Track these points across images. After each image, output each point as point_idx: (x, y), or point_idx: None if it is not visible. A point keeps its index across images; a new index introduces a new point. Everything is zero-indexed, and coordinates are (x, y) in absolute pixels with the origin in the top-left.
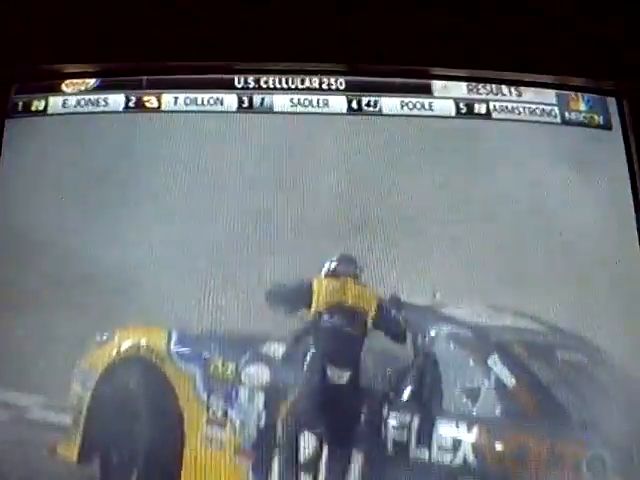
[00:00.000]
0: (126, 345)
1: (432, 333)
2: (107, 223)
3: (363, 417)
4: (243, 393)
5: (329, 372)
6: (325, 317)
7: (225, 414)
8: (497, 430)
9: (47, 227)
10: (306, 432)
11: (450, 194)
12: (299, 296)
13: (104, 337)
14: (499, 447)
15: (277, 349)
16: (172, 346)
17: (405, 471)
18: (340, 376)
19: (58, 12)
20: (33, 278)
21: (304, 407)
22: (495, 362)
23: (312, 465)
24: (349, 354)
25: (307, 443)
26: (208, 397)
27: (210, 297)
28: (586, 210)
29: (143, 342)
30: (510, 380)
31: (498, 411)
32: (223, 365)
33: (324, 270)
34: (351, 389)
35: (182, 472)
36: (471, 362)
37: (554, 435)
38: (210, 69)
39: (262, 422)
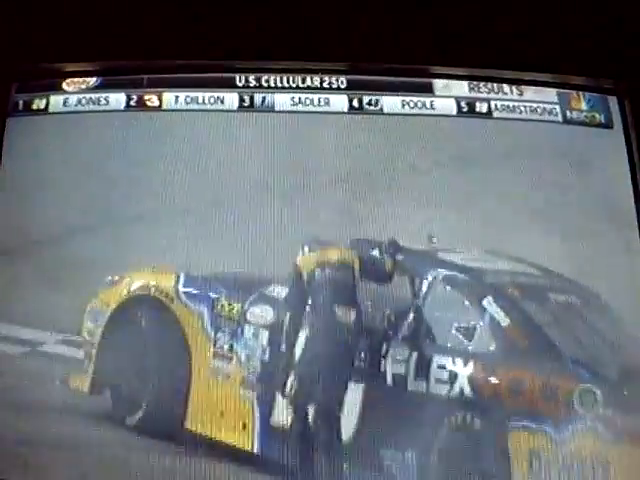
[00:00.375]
0: (136, 285)
1: (429, 276)
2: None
3: (363, 353)
4: (248, 330)
5: (337, 311)
6: (317, 273)
7: (231, 349)
8: (492, 365)
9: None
10: (307, 367)
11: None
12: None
13: (115, 278)
14: (494, 380)
15: (280, 291)
16: (180, 287)
17: (403, 401)
18: (347, 314)
19: (59, 11)
20: (44, 226)
21: (309, 343)
22: (490, 303)
23: (313, 396)
24: (348, 298)
25: (308, 376)
26: (215, 333)
27: (217, 243)
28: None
29: (152, 283)
30: (504, 319)
31: (493, 348)
32: (229, 305)
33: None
34: (357, 327)
35: (190, 402)
36: (467, 303)
37: (547, 370)
38: (211, 68)
39: (266, 357)
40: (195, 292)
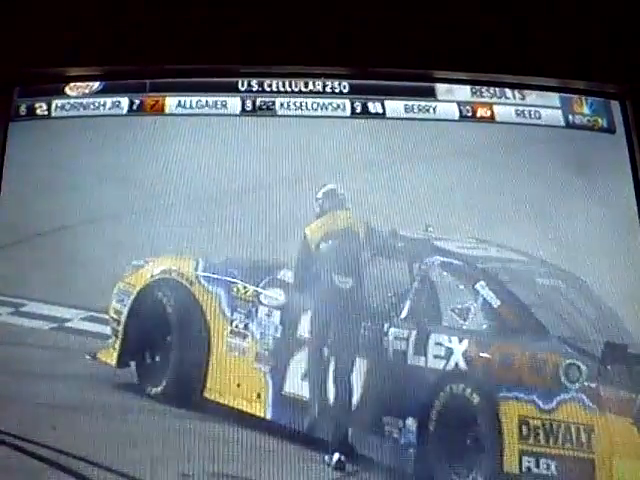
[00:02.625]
0: (159, 270)
1: (427, 262)
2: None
3: (366, 332)
4: (262, 311)
5: (335, 279)
6: (322, 244)
7: (246, 327)
8: (484, 341)
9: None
10: (315, 342)
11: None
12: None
13: (140, 262)
14: (486, 355)
15: (290, 276)
16: (199, 271)
17: (404, 374)
18: (344, 282)
19: (61, 16)
20: (73, 216)
21: (315, 316)
22: (482, 286)
23: (321, 369)
24: (349, 266)
25: (316, 351)
26: (232, 313)
27: (231, 232)
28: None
29: (174, 267)
30: (495, 301)
31: (485, 326)
32: (244, 288)
33: (314, 214)
34: (354, 295)
35: (208, 374)
36: (461, 286)
37: (534, 347)
38: (214, 72)
39: (278, 334)
40: (213, 276)
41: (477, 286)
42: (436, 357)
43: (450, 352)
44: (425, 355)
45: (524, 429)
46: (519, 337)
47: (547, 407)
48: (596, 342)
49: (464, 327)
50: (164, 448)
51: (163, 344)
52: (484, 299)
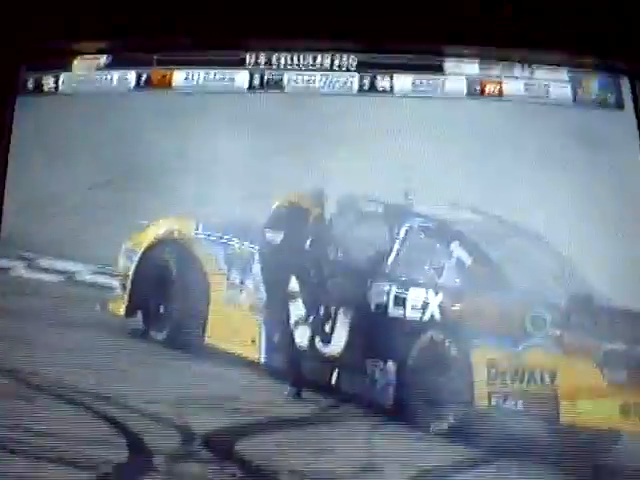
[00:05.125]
0: (162, 230)
1: (406, 225)
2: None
3: (351, 286)
4: (255, 267)
5: (267, 235)
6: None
7: (242, 282)
8: (457, 295)
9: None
10: (304, 295)
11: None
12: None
13: (144, 224)
14: (459, 307)
15: (277, 237)
16: (199, 232)
17: (384, 324)
18: (275, 237)
19: None
20: (81, 181)
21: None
22: (456, 246)
23: (309, 319)
24: (282, 224)
25: (305, 303)
26: (229, 269)
27: (231, 195)
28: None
29: (176, 228)
30: (467, 259)
31: (458, 282)
32: (240, 248)
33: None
34: (284, 247)
35: (208, 323)
36: (437, 246)
37: (502, 299)
38: (221, 46)
39: (271, 288)
40: (212, 236)
41: (451, 246)
42: (414, 309)
43: (427, 304)
44: (404, 307)
45: (492, 371)
46: (488, 291)
47: (514, 352)
48: (561, 294)
49: (439, 282)
50: (164, 384)
51: (167, 296)
52: (457, 257)
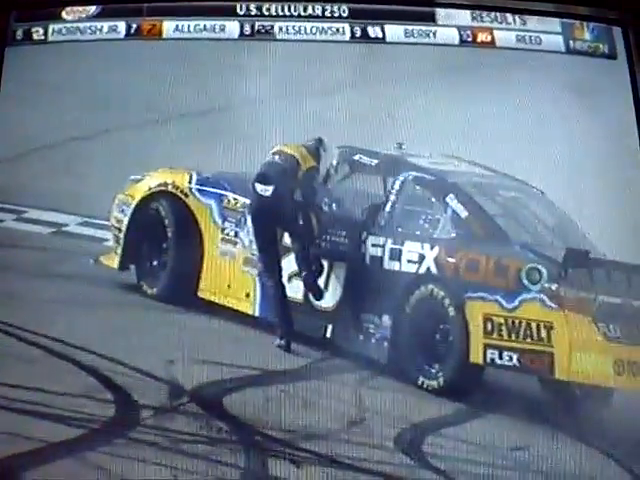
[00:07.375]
0: (156, 182)
1: (400, 177)
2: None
3: (346, 240)
4: (249, 220)
5: (257, 188)
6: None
7: (236, 235)
8: (453, 248)
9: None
10: (298, 248)
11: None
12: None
13: (138, 177)
14: (454, 260)
15: (268, 189)
16: (193, 184)
17: (380, 277)
18: (265, 190)
19: None
20: (71, 132)
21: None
22: (452, 199)
23: (305, 273)
24: (272, 177)
25: (299, 256)
26: (223, 222)
27: (225, 146)
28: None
29: (169, 181)
30: (463, 212)
31: (454, 235)
32: (235, 200)
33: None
34: (274, 200)
35: (202, 276)
36: (433, 199)
37: (498, 252)
38: None
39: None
40: (206, 189)
41: (447, 198)
42: (409, 262)
43: (422, 258)
44: (399, 260)
45: (488, 325)
46: (484, 244)
47: (510, 306)
48: (557, 248)
49: (435, 235)
50: (154, 338)
51: (160, 249)
52: (453, 210)
